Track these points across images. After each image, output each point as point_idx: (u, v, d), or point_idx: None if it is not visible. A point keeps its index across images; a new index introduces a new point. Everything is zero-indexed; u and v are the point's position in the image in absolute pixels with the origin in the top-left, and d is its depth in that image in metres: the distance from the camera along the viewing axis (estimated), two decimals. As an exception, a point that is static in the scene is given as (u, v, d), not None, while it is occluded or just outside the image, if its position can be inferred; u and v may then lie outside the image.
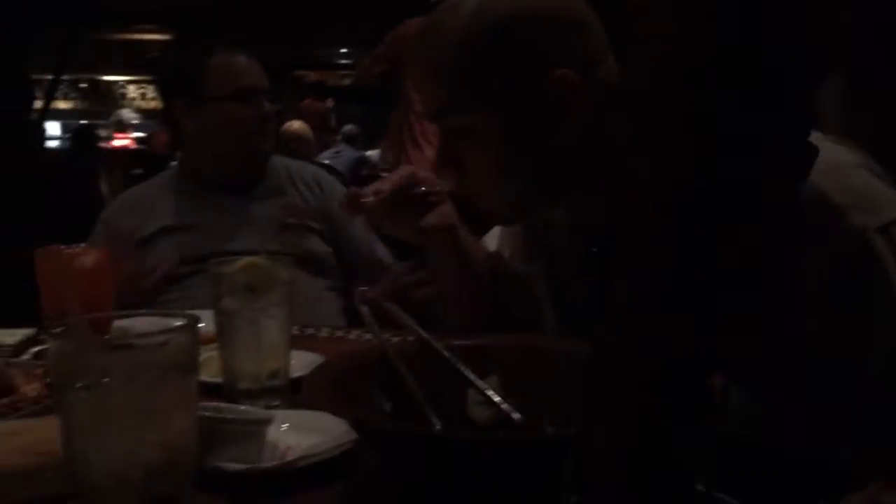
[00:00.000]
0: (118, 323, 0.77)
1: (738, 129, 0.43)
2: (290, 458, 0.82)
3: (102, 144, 8.02)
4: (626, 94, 0.44)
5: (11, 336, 1.22)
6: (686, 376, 0.45)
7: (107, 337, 0.67)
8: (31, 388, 0.95)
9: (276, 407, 0.99)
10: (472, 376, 0.85)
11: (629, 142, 0.46)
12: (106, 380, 0.60)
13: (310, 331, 1.48)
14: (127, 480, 0.61)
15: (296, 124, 5.19)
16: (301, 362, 1.14)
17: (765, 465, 0.74)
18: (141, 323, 0.74)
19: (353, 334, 1.53)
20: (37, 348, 1.12)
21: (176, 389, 0.63)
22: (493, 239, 1.31)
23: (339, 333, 1.54)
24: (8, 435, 0.73)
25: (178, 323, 0.64)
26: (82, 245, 1.21)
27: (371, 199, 1.17)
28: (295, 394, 1.07)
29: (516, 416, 0.79)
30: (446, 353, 0.87)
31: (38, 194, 3.27)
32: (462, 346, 0.91)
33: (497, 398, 0.82)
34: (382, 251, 1.90)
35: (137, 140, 9.48)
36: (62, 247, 1.21)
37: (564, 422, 0.77)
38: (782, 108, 0.44)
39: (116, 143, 9.41)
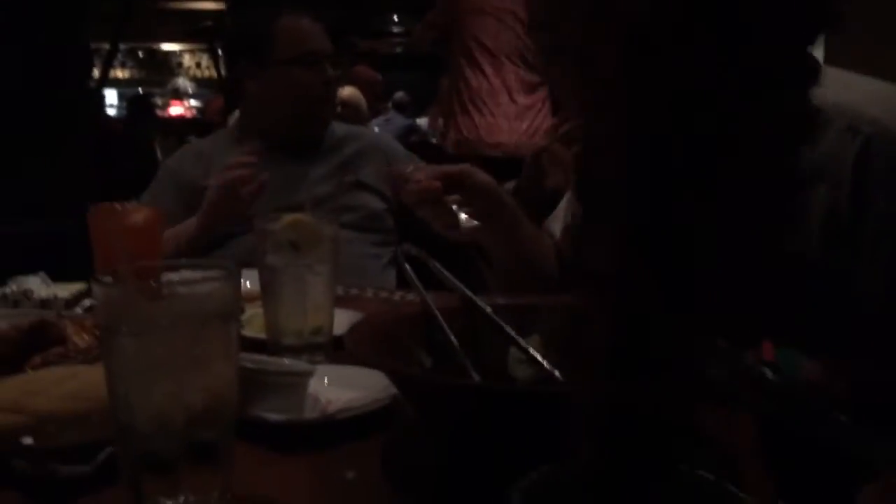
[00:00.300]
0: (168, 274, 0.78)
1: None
2: (330, 411, 0.83)
3: (158, 113, 8.16)
4: None
5: (65, 290, 1.25)
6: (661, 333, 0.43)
7: (150, 284, 0.67)
8: (81, 339, 0.97)
9: (318, 362, 1.00)
10: (514, 334, 0.84)
11: None
12: (149, 327, 0.61)
13: (354, 291, 1.49)
14: (169, 426, 0.62)
15: (349, 90, 5.19)
16: (345, 321, 1.14)
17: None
18: (188, 275, 0.75)
19: (398, 295, 1.53)
20: (89, 302, 1.15)
21: (217, 338, 0.63)
22: (556, 223, 1.31)
23: (384, 294, 1.54)
24: (58, 381, 0.74)
25: (220, 272, 0.65)
26: (134, 202, 1.22)
27: (413, 186, 1.19)
28: (338, 351, 1.08)
29: (558, 374, 0.78)
30: (489, 311, 0.87)
31: (96, 161, 3.34)
32: (505, 304, 0.90)
33: (539, 356, 0.81)
34: None
35: (192, 108, 9.62)
36: (114, 204, 1.24)
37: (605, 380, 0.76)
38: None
39: (172, 111, 9.56)
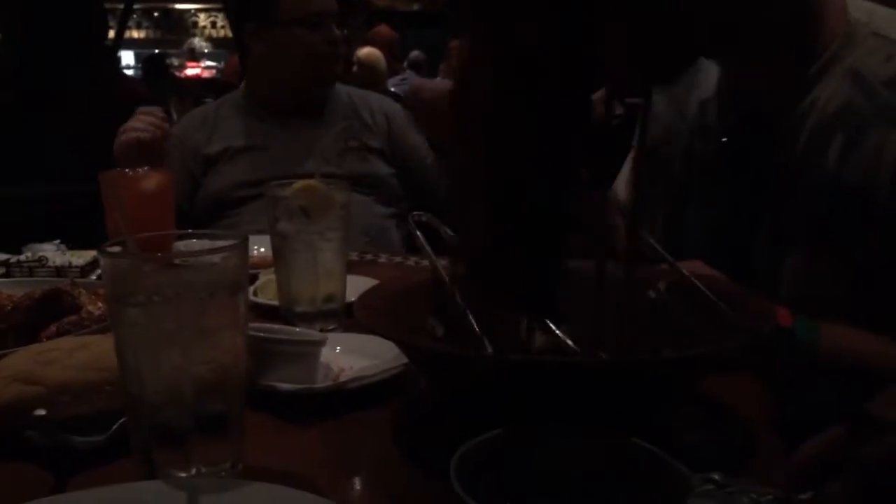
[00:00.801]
0: (179, 243, 0.77)
1: None
2: (342, 379, 0.83)
3: (175, 73, 8.13)
4: None
5: (80, 257, 1.25)
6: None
7: (157, 255, 0.67)
8: (95, 307, 0.97)
9: (331, 330, 1.00)
10: (526, 302, 0.83)
11: None
12: (156, 297, 0.61)
13: (368, 256, 1.49)
14: (178, 396, 0.62)
15: (367, 51, 5.13)
16: (358, 287, 1.13)
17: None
18: (197, 244, 0.75)
19: (412, 261, 1.53)
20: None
21: (224, 308, 0.62)
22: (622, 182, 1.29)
23: (398, 259, 1.54)
24: (71, 350, 0.74)
25: (227, 243, 0.64)
26: (145, 168, 1.22)
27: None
28: (351, 318, 1.08)
29: (570, 343, 0.77)
30: (501, 278, 0.86)
31: (112, 122, 3.34)
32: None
33: (551, 325, 0.80)
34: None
35: (208, 69, 9.58)
36: (125, 170, 1.23)
37: (620, 350, 0.75)
38: None
39: (189, 71, 9.53)
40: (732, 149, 1.07)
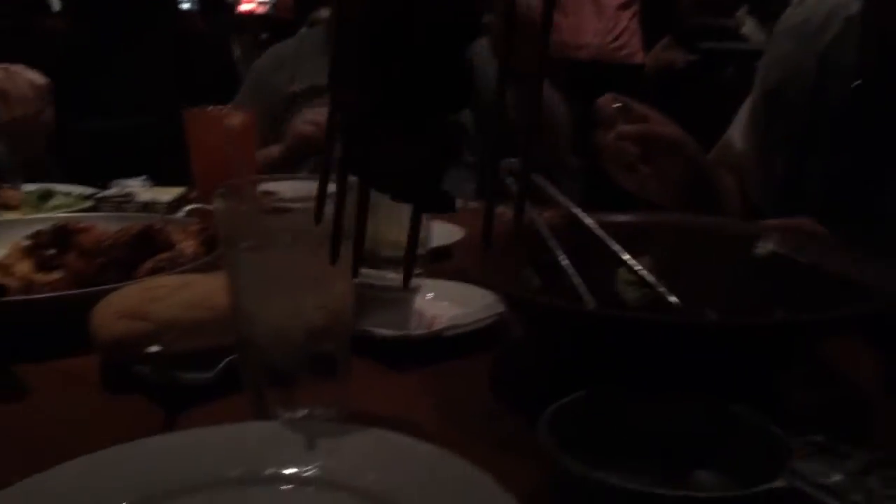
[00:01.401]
0: (266, 186, 0.77)
1: None
2: (436, 327, 0.83)
3: (232, 8, 8.09)
4: None
5: (165, 194, 1.27)
6: None
7: (270, 201, 0.67)
8: (187, 245, 0.98)
9: (418, 276, 0.99)
10: (624, 255, 0.81)
11: None
12: (268, 242, 0.61)
13: None
14: (288, 339, 0.62)
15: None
16: (443, 233, 1.14)
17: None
18: (286, 187, 0.75)
19: (499, 210, 1.52)
20: (189, 206, 1.16)
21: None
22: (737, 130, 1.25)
23: (473, 205, 1.53)
24: (175, 288, 0.76)
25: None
26: (228, 106, 1.22)
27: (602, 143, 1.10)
28: (434, 263, 1.08)
29: (673, 299, 0.76)
30: (597, 231, 0.84)
31: (173, 57, 3.35)
32: (614, 223, 0.87)
33: (651, 278, 0.79)
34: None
35: (263, 4, 9.51)
36: (210, 108, 1.24)
37: (725, 308, 0.73)
38: None
39: (243, 7, 9.48)
40: (869, 89, 1.01)
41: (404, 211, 1.12)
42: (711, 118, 1.38)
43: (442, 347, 0.80)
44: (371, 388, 0.73)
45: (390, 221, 1.04)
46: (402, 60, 0.37)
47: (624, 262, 0.82)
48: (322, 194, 0.47)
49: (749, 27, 3.72)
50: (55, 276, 0.94)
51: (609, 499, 0.47)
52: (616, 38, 3.56)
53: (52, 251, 0.96)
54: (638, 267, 0.80)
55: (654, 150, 1.07)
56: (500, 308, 0.85)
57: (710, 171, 1.14)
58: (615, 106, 1.06)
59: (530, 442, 0.59)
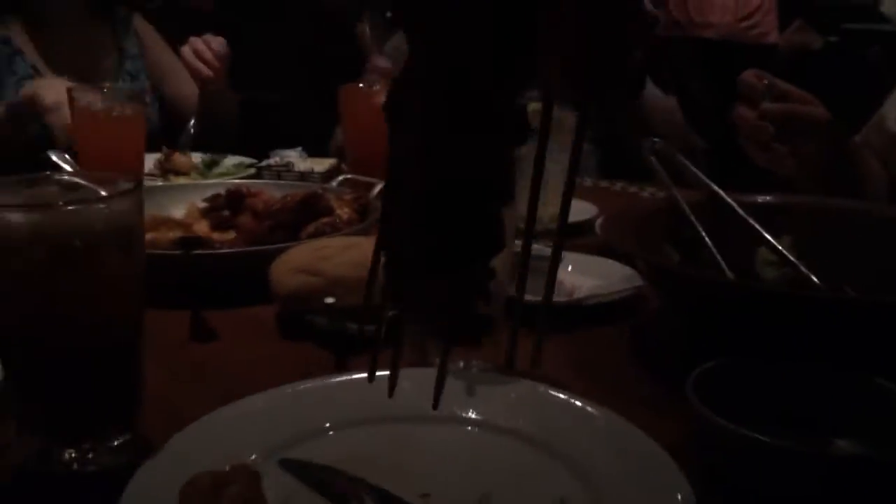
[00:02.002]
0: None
1: None
2: (576, 296, 0.88)
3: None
4: None
5: (320, 164, 1.37)
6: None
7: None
8: (343, 212, 1.07)
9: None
10: (765, 233, 0.84)
11: None
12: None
13: (588, 182, 1.53)
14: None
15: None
16: (577, 210, 1.18)
17: None
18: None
19: (618, 186, 1.55)
20: (341, 177, 1.25)
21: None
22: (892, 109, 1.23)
23: (604, 184, 1.56)
24: (342, 248, 0.84)
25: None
26: (378, 86, 1.30)
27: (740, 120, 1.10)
28: (570, 239, 1.12)
29: (814, 278, 0.78)
30: (738, 209, 0.87)
31: (311, 35, 3.49)
32: (754, 202, 0.89)
33: (792, 258, 0.81)
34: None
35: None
36: (360, 84, 1.32)
37: (867, 288, 0.75)
38: None
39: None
40: None
41: (547, 188, 1.17)
42: (854, 101, 1.35)
43: (582, 316, 0.85)
44: (521, 350, 0.78)
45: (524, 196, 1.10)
46: (451, 216, 0.42)
47: (763, 242, 0.84)
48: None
49: (888, 6, 3.52)
50: (230, 235, 1.04)
51: (755, 455, 0.51)
52: (748, 17, 3.45)
53: (226, 213, 1.07)
54: (778, 246, 0.82)
55: (794, 129, 1.07)
56: (638, 281, 0.90)
57: (854, 154, 1.13)
58: (762, 83, 1.06)
59: (668, 402, 0.64)
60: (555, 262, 0.48)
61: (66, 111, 1.24)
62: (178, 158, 1.41)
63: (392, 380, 0.47)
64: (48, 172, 0.61)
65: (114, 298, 0.55)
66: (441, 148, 0.40)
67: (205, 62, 1.60)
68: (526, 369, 0.72)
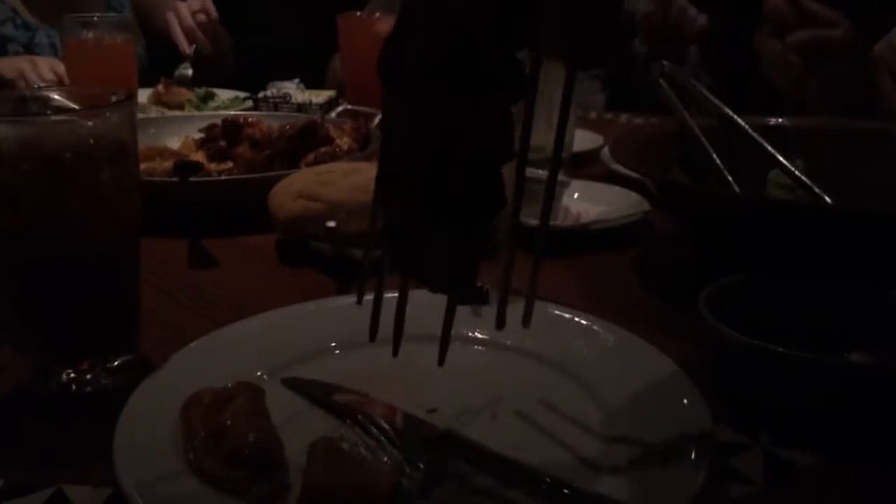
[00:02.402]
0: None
1: None
2: (583, 221, 0.86)
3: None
4: None
5: (318, 96, 1.34)
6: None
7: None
8: (343, 142, 1.05)
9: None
10: (778, 156, 0.81)
11: None
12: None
13: (592, 115, 1.50)
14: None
15: None
16: (582, 140, 1.16)
17: None
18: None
19: (623, 118, 1.52)
20: (340, 108, 1.23)
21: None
22: None
23: (609, 116, 1.53)
24: (345, 173, 0.82)
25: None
26: (377, 14, 1.26)
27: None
28: (575, 168, 1.10)
29: (827, 199, 0.76)
30: (751, 131, 0.84)
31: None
32: (766, 125, 0.87)
33: (806, 180, 0.79)
34: None
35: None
36: (359, 13, 1.28)
37: (882, 208, 0.73)
38: None
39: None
40: None
41: (551, 116, 1.15)
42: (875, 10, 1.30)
43: (588, 241, 0.83)
44: (523, 273, 0.77)
45: (538, 126, 1.07)
46: (452, 174, 0.41)
47: (776, 165, 0.82)
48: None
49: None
50: (227, 165, 1.02)
51: (768, 366, 0.50)
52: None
53: (223, 143, 1.04)
54: (792, 168, 0.80)
55: (822, 54, 1.04)
56: (646, 207, 0.88)
57: (872, 72, 1.10)
58: (790, 8, 1.03)
59: (677, 323, 0.63)
60: (550, 188, 0.47)
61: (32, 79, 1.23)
62: (174, 91, 1.38)
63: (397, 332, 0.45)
64: (38, 87, 0.59)
65: (108, 214, 0.53)
66: (438, 105, 0.39)
67: (188, 34, 1.58)
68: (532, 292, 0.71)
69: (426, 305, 0.60)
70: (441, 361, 0.42)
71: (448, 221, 0.42)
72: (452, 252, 0.45)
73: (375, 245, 0.47)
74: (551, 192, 0.47)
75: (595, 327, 0.59)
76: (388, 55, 0.39)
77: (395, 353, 0.44)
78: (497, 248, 0.69)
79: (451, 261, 0.45)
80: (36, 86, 1.36)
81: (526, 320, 0.45)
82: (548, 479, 0.41)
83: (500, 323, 0.43)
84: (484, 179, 0.43)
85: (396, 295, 0.47)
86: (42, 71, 1.34)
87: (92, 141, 0.52)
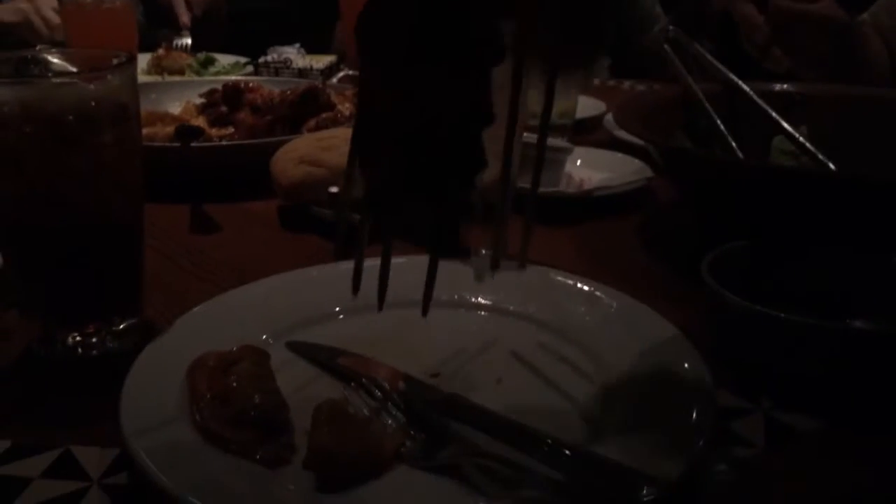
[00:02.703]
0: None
1: None
2: (586, 188, 0.86)
3: None
4: None
5: (319, 61, 1.33)
6: None
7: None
8: (345, 108, 1.04)
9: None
10: (783, 122, 0.81)
11: None
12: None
13: (595, 81, 1.50)
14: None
15: None
16: (585, 105, 1.15)
17: None
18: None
19: (626, 84, 1.51)
20: (342, 73, 1.21)
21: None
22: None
23: (612, 83, 1.53)
24: (346, 139, 0.80)
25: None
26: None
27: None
28: (578, 135, 1.10)
29: (832, 167, 0.76)
30: (755, 98, 0.84)
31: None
32: (771, 91, 0.86)
33: (810, 146, 0.78)
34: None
35: None
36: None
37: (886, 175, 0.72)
38: None
39: None
40: None
41: (557, 84, 1.15)
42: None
43: (591, 208, 0.83)
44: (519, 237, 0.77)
45: (532, 94, 1.07)
46: (428, 141, 0.41)
47: (781, 131, 0.82)
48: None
49: None
50: (228, 131, 1.02)
51: (771, 331, 0.50)
52: None
53: (224, 109, 1.04)
54: (796, 135, 0.80)
55: (792, 27, 1.03)
56: (649, 174, 0.87)
57: (857, 41, 1.09)
58: None
59: (679, 290, 0.63)
60: (540, 153, 0.48)
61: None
62: (175, 55, 1.37)
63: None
64: (38, 48, 0.58)
65: (111, 177, 0.53)
66: (417, 71, 0.38)
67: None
68: (532, 261, 0.72)
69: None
70: (424, 312, 0.43)
71: (428, 184, 0.43)
72: (434, 211, 0.45)
73: (355, 211, 0.47)
74: (540, 159, 0.47)
75: (598, 293, 0.60)
76: (366, 20, 0.39)
77: (381, 308, 0.44)
78: (487, 210, 0.69)
79: (433, 219, 0.45)
80: (42, 30, 1.34)
81: (521, 262, 0.46)
82: (550, 442, 0.41)
83: (495, 264, 0.45)
84: (463, 143, 0.42)
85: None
86: (46, 14, 1.32)
87: (93, 103, 0.51)
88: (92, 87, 0.51)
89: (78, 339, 0.56)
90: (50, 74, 0.52)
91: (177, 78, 1.32)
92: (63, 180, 0.51)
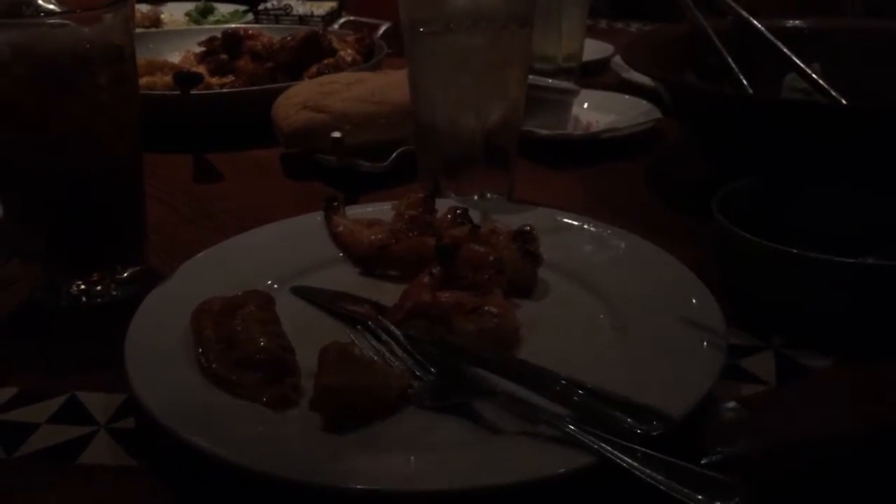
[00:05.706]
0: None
1: None
2: (594, 130, 0.84)
3: None
4: None
5: (320, 7, 1.30)
6: None
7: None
8: (347, 53, 1.02)
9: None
10: (795, 59, 0.79)
11: None
12: (452, 25, 0.63)
13: (603, 24, 1.46)
14: (465, 126, 0.65)
15: None
16: (591, 48, 1.13)
17: None
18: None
19: (634, 27, 1.48)
20: (343, 19, 1.19)
21: (514, 42, 0.64)
22: None
23: (619, 25, 1.49)
24: (348, 84, 0.80)
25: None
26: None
27: None
28: (585, 78, 1.08)
29: (844, 102, 0.74)
30: (766, 34, 0.81)
31: None
32: (783, 27, 0.84)
33: (823, 83, 0.76)
34: None
35: None
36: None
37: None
38: None
39: None
40: None
41: (563, 26, 1.12)
42: None
43: (598, 150, 0.82)
44: (532, 183, 0.76)
45: (549, 36, 1.05)
46: None
47: (793, 67, 0.79)
48: None
49: None
50: (228, 79, 1.00)
51: (781, 267, 0.49)
52: None
53: (224, 56, 1.02)
54: (809, 72, 0.78)
55: None
56: (657, 115, 0.86)
57: None
58: None
59: (688, 230, 0.62)
60: None
61: None
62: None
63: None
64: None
65: (108, 120, 0.52)
66: None
67: None
68: (539, 203, 0.71)
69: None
70: None
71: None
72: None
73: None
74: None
75: (607, 233, 0.59)
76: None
77: None
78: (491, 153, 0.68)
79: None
80: None
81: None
82: (563, 381, 0.41)
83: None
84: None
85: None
86: None
87: (88, 45, 0.50)
88: (85, 29, 0.50)
89: (82, 287, 0.55)
90: (42, 15, 0.50)
91: (175, 27, 1.30)
92: (59, 123, 0.50)
